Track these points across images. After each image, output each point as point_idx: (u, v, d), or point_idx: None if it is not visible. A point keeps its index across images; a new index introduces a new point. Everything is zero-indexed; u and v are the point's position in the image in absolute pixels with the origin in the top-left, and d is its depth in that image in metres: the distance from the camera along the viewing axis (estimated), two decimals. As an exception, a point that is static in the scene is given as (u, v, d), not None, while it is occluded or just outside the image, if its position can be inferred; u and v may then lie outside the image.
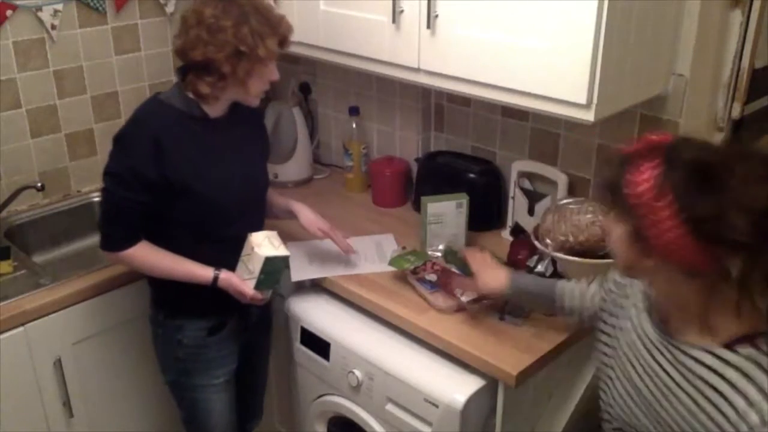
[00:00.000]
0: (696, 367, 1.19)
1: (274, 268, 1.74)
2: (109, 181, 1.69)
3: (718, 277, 1.14)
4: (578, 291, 1.61)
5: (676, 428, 1.23)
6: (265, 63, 1.68)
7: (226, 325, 1.89)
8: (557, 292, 1.64)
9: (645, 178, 1.10)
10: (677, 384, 1.22)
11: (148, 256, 1.75)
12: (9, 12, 2.14)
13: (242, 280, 1.75)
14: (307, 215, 1.98)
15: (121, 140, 1.69)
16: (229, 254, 1.78)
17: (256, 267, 1.71)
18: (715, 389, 1.15)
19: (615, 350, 1.40)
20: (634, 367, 1.33)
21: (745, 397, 1.11)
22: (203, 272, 1.75)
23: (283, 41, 1.73)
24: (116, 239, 1.74)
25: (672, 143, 1.14)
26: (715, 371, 1.16)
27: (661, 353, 1.26)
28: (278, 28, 1.70)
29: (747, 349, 1.13)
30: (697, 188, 1.08)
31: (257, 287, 1.74)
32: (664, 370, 1.25)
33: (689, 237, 1.08)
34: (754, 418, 1.09)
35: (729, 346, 1.15)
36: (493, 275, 1.72)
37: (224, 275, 1.75)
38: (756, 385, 1.10)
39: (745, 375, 1.12)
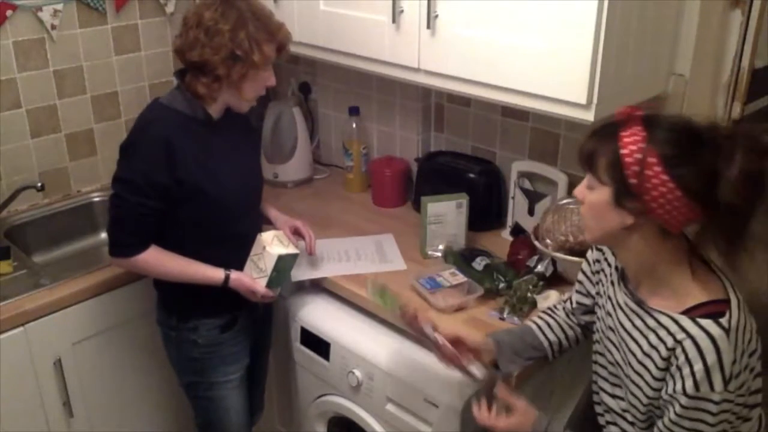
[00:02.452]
0: (659, 330, 1.27)
1: (285, 266, 1.78)
2: (121, 187, 1.69)
3: (685, 239, 1.28)
4: (552, 322, 1.63)
5: (633, 390, 1.33)
6: (260, 68, 1.69)
7: (238, 321, 1.91)
8: (533, 329, 1.62)
9: (638, 138, 1.20)
10: (641, 348, 1.30)
11: (159, 260, 1.75)
12: (9, 12, 2.14)
13: (253, 279, 1.77)
14: (277, 217, 2.02)
15: (130, 148, 1.70)
16: (232, 253, 1.79)
17: (269, 265, 1.74)
18: (670, 351, 1.23)
19: (600, 336, 1.47)
20: (612, 341, 1.41)
21: (692, 367, 1.19)
22: (214, 273, 1.77)
23: (281, 48, 1.74)
24: (127, 246, 1.73)
25: (649, 113, 1.25)
26: (673, 336, 1.24)
27: (632, 321, 1.34)
28: (276, 35, 1.71)
29: (706, 321, 1.21)
30: (683, 146, 1.18)
31: (268, 285, 1.77)
32: (633, 338, 1.33)
33: (679, 191, 1.17)
34: (689, 384, 1.20)
35: (691, 313, 1.24)
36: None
37: (235, 275, 1.77)
38: (703, 359, 1.19)
39: (698, 348, 1.20)
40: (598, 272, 1.50)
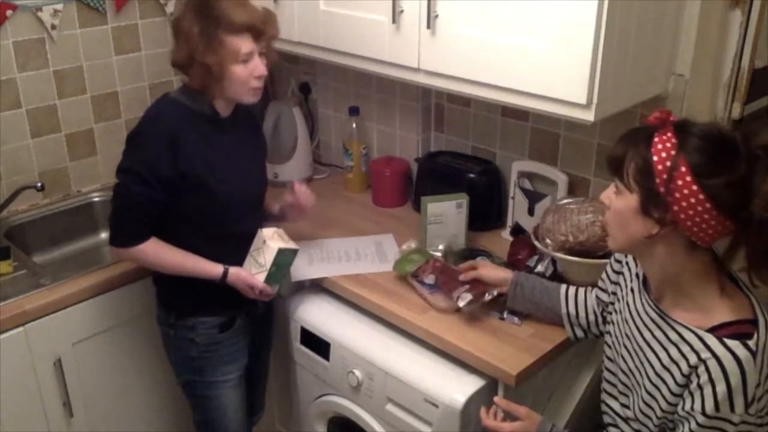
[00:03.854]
0: (681, 345, 1.24)
1: (285, 261, 1.78)
2: (124, 177, 1.70)
3: (714, 254, 1.24)
4: (581, 296, 1.64)
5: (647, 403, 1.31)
6: (233, 63, 1.67)
7: (236, 321, 1.91)
8: (561, 292, 1.67)
9: (670, 145, 1.16)
10: (660, 360, 1.28)
11: (157, 252, 1.76)
12: (9, 12, 2.14)
13: (251, 274, 1.77)
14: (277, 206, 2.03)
15: (135, 138, 1.72)
16: (231, 252, 1.80)
17: (268, 259, 1.74)
18: (692, 368, 1.20)
19: (614, 340, 1.44)
20: (627, 349, 1.38)
21: (714, 388, 1.17)
22: (212, 268, 1.78)
23: (257, 35, 1.69)
24: (127, 235, 1.75)
25: (681, 119, 1.21)
26: (697, 353, 1.20)
27: (652, 331, 1.31)
28: (241, 26, 1.66)
29: (733, 342, 1.18)
30: (716, 156, 1.14)
31: (267, 280, 1.77)
32: (652, 349, 1.30)
33: (709, 202, 1.13)
34: (709, 404, 1.18)
35: (717, 332, 1.20)
36: (497, 269, 1.79)
37: (233, 270, 1.78)
38: (727, 381, 1.16)
39: (723, 370, 1.17)
40: (618, 273, 1.48)
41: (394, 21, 1.84)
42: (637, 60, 1.64)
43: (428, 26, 1.77)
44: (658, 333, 1.29)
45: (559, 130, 2.08)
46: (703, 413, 1.18)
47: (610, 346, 1.47)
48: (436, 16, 1.75)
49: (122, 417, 2.22)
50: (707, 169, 1.13)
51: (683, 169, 1.14)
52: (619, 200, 1.25)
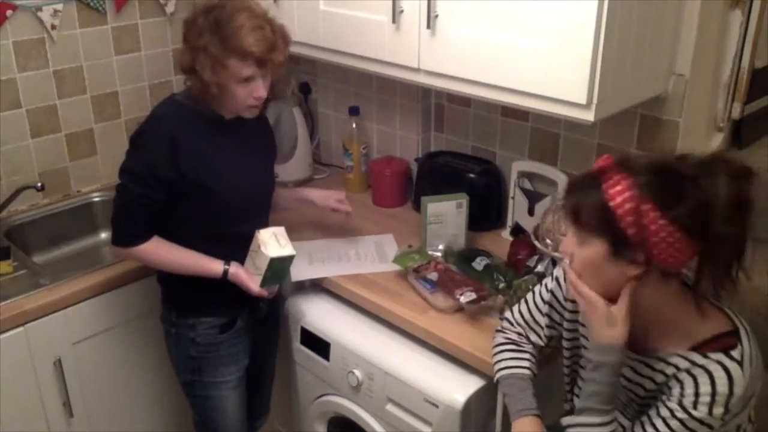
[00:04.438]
0: (667, 368, 1.25)
1: (280, 266, 1.77)
2: (126, 177, 1.71)
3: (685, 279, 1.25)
4: (532, 360, 1.57)
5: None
6: (233, 83, 1.66)
7: (237, 322, 1.90)
8: (527, 373, 1.55)
9: (624, 187, 1.15)
10: (644, 388, 1.30)
11: (159, 251, 1.77)
12: (9, 12, 2.14)
13: (250, 276, 1.78)
14: (318, 194, 2.09)
15: (138, 138, 1.72)
16: (234, 253, 1.80)
17: (263, 265, 1.74)
18: (680, 382, 1.22)
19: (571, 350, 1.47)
20: None
21: (697, 389, 1.19)
22: (213, 265, 1.78)
23: (261, 63, 1.65)
24: (130, 235, 1.75)
25: (619, 158, 1.20)
26: (684, 370, 1.22)
27: (635, 369, 1.32)
28: (245, 51, 1.61)
29: (717, 354, 1.20)
30: (670, 186, 1.14)
31: (263, 285, 1.77)
32: (636, 383, 1.32)
33: (679, 231, 1.13)
34: (688, 402, 1.19)
35: (700, 349, 1.22)
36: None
37: (233, 269, 1.78)
38: (713, 388, 1.18)
39: (711, 376, 1.18)
40: (575, 312, 1.45)
41: (394, 21, 1.84)
42: (637, 60, 1.64)
43: (428, 26, 1.77)
44: (642, 369, 1.30)
45: (559, 130, 2.08)
46: (680, 404, 1.20)
47: (581, 366, 1.48)
48: (436, 16, 1.75)
49: (122, 417, 2.22)
50: (668, 201, 1.13)
51: (646, 207, 1.13)
52: (584, 249, 1.22)
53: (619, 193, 1.15)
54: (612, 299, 1.24)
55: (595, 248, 1.20)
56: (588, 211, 1.19)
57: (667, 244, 1.14)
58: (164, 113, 1.75)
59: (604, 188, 1.16)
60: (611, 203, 1.15)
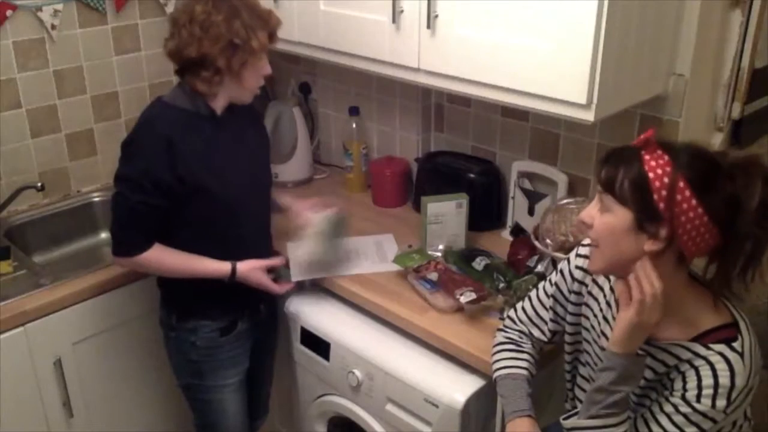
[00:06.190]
0: (669, 359, 1.26)
1: (337, 220, 1.93)
2: (123, 185, 1.68)
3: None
4: (531, 360, 1.56)
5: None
6: (258, 56, 1.69)
7: (238, 325, 1.90)
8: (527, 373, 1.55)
9: (664, 162, 1.17)
10: (645, 379, 1.29)
11: (161, 258, 1.75)
12: (9, 12, 2.14)
13: (263, 273, 1.82)
14: (297, 204, 2.01)
15: (131, 145, 1.70)
16: (234, 253, 1.79)
17: (321, 225, 1.86)
18: (681, 373, 1.22)
19: (587, 359, 1.46)
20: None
21: (700, 382, 1.19)
22: (219, 266, 1.77)
23: (272, 35, 1.74)
24: (131, 244, 1.73)
25: (662, 139, 1.22)
26: (687, 361, 1.23)
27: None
28: (269, 21, 1.71)
29: (719, 346, 1.21)
30: (707, 172, 1.17)
31: (322, 251, 1.90)
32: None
33: (706, 216, 1.15)
34: (691, 395, 1.19)
35: (701, 339, 1.23)
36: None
37: (243, 266, 1.78)
38: (716, 380, 1.18)
39: (713, 368, 1.19)
40: (579, 305, 1.46)
41: (394, 21, 1.84)
42: (637, 60, 1.64)
43: (428, 26, 1.77)
44: (646, 359, 1.30)
45: (559, 130, 2.08)
46: (683, 398, 1.20)
47: (583, 364, 1.48)
48: (436, 16, 1.75)
49: (122, 417, 2.22)
50: (703, 184, 1.16)
51: (681, 184, 1.15)
52: (608, 216, 1.23)
53: (660, 167, 1.17)
54: (618, 273, 1.26)
55: (620, 217, 1.21)
56: (622, 180, 1.20)
57: (693, 227, 1.16)
58: (156, 116, 1.72)
59: (645, 160, 1.18)
60: (650, 174, 1.17)
